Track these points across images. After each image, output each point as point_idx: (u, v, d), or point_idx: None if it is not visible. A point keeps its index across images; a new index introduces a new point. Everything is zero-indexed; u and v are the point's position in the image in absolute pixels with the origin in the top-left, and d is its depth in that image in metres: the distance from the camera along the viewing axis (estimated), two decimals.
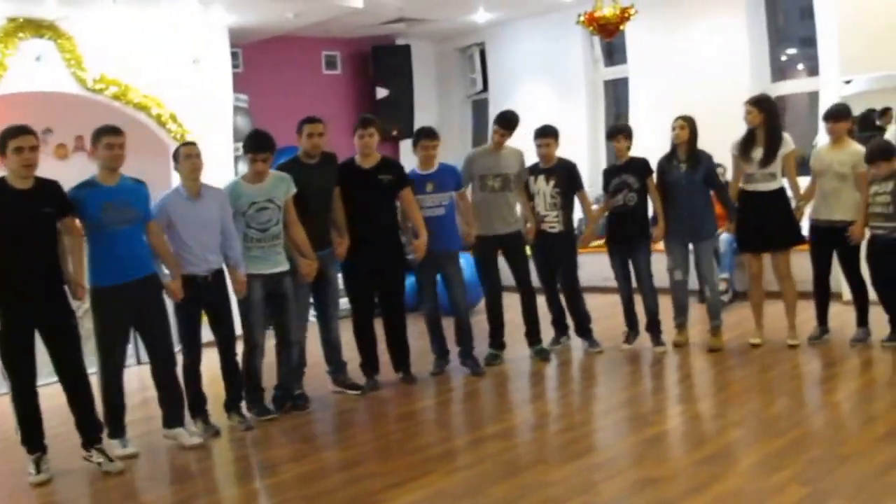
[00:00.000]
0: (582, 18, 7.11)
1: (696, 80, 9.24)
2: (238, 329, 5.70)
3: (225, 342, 5.56)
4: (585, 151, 10.30)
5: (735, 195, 6.64)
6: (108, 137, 4.98)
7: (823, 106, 7.04)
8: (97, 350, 5.10)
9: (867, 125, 7.48)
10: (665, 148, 6.75)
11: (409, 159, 7.74)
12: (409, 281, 6.69)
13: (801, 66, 9.79)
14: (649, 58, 9.80)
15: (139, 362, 6.88)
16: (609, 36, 7.47)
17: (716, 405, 5.54)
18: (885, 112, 7.43)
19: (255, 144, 5.59)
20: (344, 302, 6.54)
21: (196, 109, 8.48)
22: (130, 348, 5.31)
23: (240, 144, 6.97)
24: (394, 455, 4.93)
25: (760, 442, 4.60)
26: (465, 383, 6.39)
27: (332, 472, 4.78)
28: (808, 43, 9.00)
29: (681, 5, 9.44)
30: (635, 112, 9.99)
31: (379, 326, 6.38)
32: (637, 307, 6.92)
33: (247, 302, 5.60)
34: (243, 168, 6.80)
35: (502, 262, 6.77)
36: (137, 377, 6.45)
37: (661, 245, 6.77)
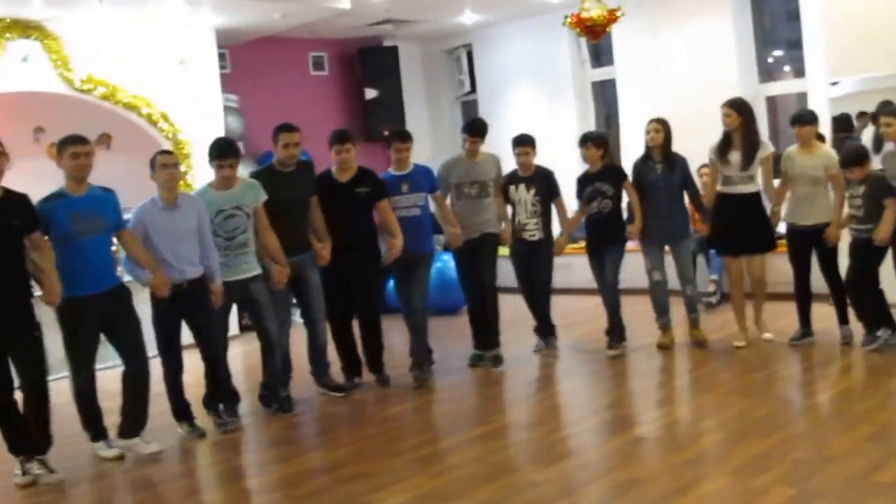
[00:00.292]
0: (569, 20, 7.11)
1: (684, 81, 9.24)
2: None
3: (207, 350, 5.51)
4: (575, 152, 10.24)
5: (711, 199, 6.65)
6: (74, 147, 4.91)
7: (812, 108, 7.06)
8: (68, 361, 5.02)
9: (844, 127, 7.51)
10: None
11: None
12: (392, 284, 6.67)
13: (787, 68, 9.81)
14: (636, 59, 9.80)
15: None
16: (596, 38, 7.44)
17: (701, 407, 5.55)
18: (862, 115, 7.44)
19: (220, 152, 5.58)
20: None
21: (186, 110, 8.48)
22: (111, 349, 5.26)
23: None
24: (380, 456, 4.93)
25: (746, 443, 4.59)
26: (450, 385, 6.39)
27: (318, 474, 4.77)
28: (795, 45, 9.04)
29: (667, 7, 9.44)
30: (624, 113, 10.00)
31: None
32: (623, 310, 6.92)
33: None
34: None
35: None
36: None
37: (638, 246, 6.82)
